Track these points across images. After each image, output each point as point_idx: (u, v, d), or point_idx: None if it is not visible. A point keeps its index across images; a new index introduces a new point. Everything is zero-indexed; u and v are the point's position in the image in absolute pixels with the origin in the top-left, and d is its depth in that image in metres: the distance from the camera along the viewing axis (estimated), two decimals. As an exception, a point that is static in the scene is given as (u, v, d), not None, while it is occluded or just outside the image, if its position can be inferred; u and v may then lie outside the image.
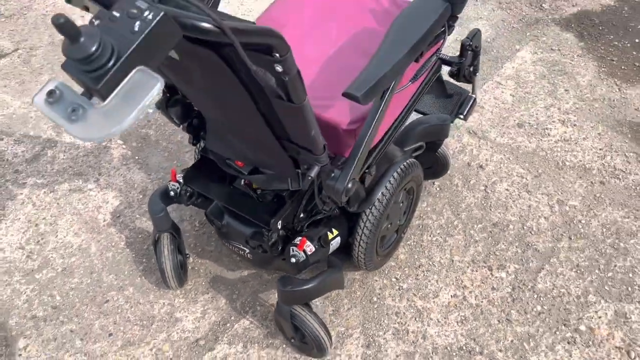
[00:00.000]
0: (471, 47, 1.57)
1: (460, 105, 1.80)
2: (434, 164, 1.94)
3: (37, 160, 2.15)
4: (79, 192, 2.04)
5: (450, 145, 2.11)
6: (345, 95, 1.12)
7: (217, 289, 1.75)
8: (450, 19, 1.36)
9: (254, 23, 0.89)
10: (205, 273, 1.80)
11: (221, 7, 2.76)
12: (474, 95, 1.79)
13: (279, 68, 0.93)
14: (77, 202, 2.01)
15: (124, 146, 2.18)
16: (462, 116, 1.76)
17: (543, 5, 2.72)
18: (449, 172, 2.00)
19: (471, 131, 2.17)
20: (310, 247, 1.45)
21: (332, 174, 1.29)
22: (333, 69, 1.42)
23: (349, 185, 1.28)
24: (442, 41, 1.36)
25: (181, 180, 1.60)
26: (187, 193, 1.58)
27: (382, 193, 1.51)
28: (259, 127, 1.19)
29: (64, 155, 2.16)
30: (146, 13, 0.66)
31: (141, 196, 2.02)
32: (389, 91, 1.26)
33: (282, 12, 1.59)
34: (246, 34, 0.83)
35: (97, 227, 1.93)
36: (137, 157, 2.14)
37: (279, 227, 1.45)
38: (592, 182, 1.98)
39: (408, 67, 1.30)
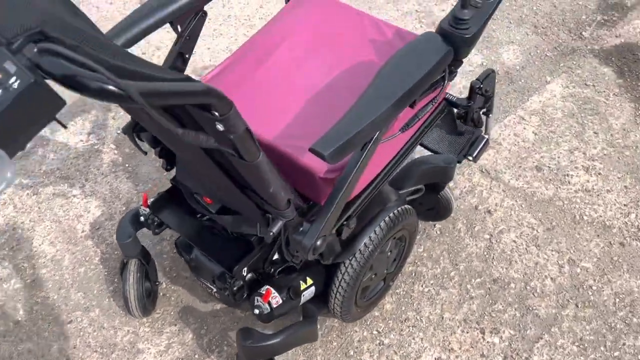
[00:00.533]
0: (481, 91, 1.41)
1: (471, 144, 1.63)
2: (436, 206, 1.78)
3: (27, 158, 2.07)
4: (63, 197, 1.95)
5: (458, 184, 1.94)
6: (311, 151, 0.98)
7: (185, 321, 1.64)
8: (452, 64, 1.20)
9: (191, 79, 0.76)
10: (176, 302, 1.69)
11: (239, 10, 2.64)
12: (486, 136, 1.62)
13: (220, 127, 0.80)
14: (59, 209, 1.92)
15: (115, 151, 2.09)
16: (471, 158, 1.60)
17: (583, 33, 2.50)
18: (453, 214, 1.84)
19: (484, 170, 1.99)
20: (276, 299, 1.32)
21: (301, 228, 1.15)
22: (319, 105, 1.28)
23: (318, 242, 1.15)
24: (440, 88, 1.20)
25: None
26: (155, 222, 1.47)
27: (365, 244, 1.37)
28: (217, 172, 1.06)
29: (54, 156, 2.08)
30: (12, 80, 0.54)
31: (124, 208, 1.92)
32: (372, 142, 1.11)
33: (276, 33, 1.45)
34: (171, 96, 0.70)
35: (74, 237, 1.84)
36: (127, 165, 2.04)
37: (245, 274, 1.32)
38: (610, 243, 1.78)
39: (398, 116, 1.15)
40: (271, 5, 2.70)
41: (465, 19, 1.13)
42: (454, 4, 2.92)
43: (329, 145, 0.96)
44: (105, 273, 1.75)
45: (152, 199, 1.48)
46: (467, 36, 1.14)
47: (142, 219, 1.50)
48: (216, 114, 0.77)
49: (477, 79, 1.41)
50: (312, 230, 1.14)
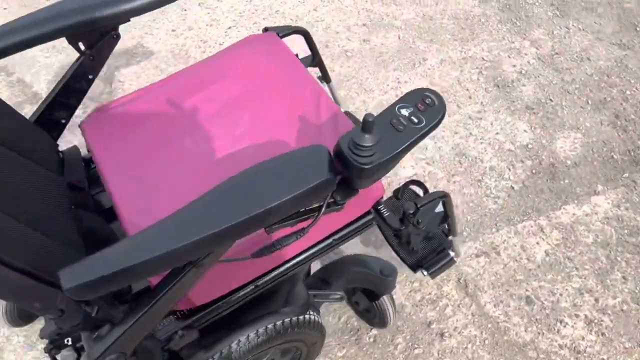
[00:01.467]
0: (413, 220, 1.09)
1: (436, 254, 1.32)
2: (371, 311, 1.49)
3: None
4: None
5: (423, 288, 1.62)
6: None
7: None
8: (339, 194, 0.90)
9: None
10: (64, 318, 1.55)
11: (290, 7, 2.39)
12: (452, 254, 1.30)
13: None
14: None
15: (93, 130, 1.98)
16: (426, 273, 1.30)
17: (674, 141, 1.99)
18: (400, 323, 1.54)
19: (462, 280, 1.64)
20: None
21: (97, 332, 0.94)
22: (198, 181, 1.03)
23: (111, 357, 0.93)
24: (314, 219, 0.91)
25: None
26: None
27: (221, 352, 1.13)
28: None
29: (36, 117, 2.01)
30: None
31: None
32: (195, 264, 0.85)
33: (204, 73, 1.22)
34: None
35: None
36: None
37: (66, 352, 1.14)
38: None
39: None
40: (325, 11, 2.42)
41: (365, 146, 0.82)
42: (531, 62, 2.45)
43: (78, 276, 0.72)
44: (16, 261, 1.65)
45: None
46: (365, 167, 0.83)
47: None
48: None
49: (414, 202, 1.09)
50: (105, 340, 0.92)
